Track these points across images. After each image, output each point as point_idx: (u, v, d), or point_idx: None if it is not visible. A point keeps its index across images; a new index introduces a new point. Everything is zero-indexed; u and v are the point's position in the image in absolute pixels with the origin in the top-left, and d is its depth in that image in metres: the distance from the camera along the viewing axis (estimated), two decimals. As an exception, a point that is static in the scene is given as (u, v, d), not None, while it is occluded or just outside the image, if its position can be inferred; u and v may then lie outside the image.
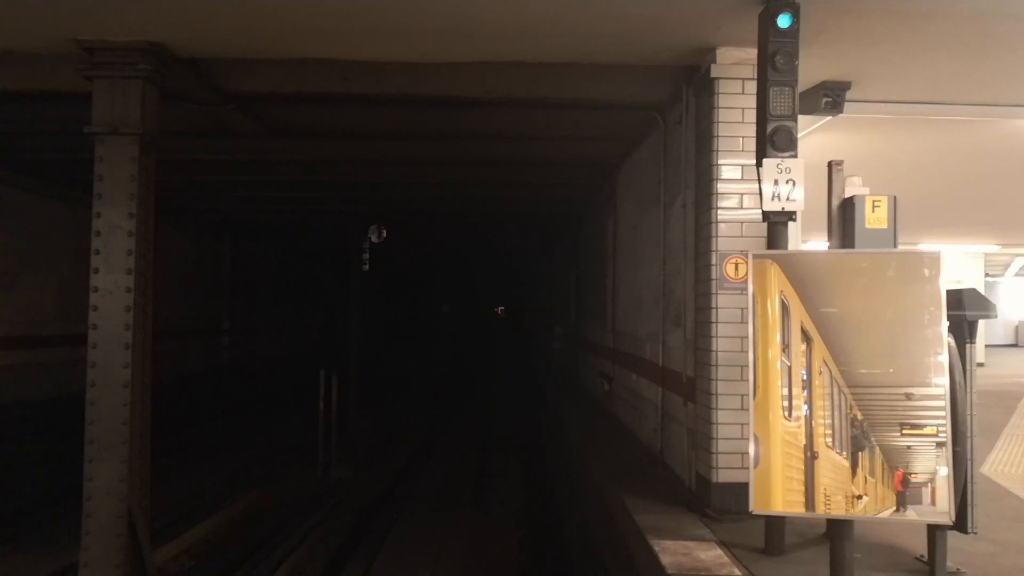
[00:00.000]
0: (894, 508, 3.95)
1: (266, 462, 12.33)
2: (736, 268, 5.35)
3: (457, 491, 10.72)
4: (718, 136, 5.49)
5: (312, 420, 11.47)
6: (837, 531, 4.13)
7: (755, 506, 4.12)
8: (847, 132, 7.12)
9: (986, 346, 20.73)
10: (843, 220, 4.66)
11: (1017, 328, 29.80)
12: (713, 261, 5.46)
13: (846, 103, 5.97)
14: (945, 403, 3.90)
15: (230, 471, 11.64)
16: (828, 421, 4.06)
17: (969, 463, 4.13)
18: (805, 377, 4.10)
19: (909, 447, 3.92)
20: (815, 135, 6.53)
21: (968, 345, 4.21)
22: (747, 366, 4.23)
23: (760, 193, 4.48)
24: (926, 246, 15.60)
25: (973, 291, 4.32)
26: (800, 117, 4.59)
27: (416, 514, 9.54)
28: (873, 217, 4.49)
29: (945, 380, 3.91)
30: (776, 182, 4.45)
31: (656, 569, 4.53)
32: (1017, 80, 5.92)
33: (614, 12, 4.87)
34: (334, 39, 5.48)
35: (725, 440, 5.35)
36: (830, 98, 5.91)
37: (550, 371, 19.84)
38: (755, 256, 4.26)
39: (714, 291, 5.43)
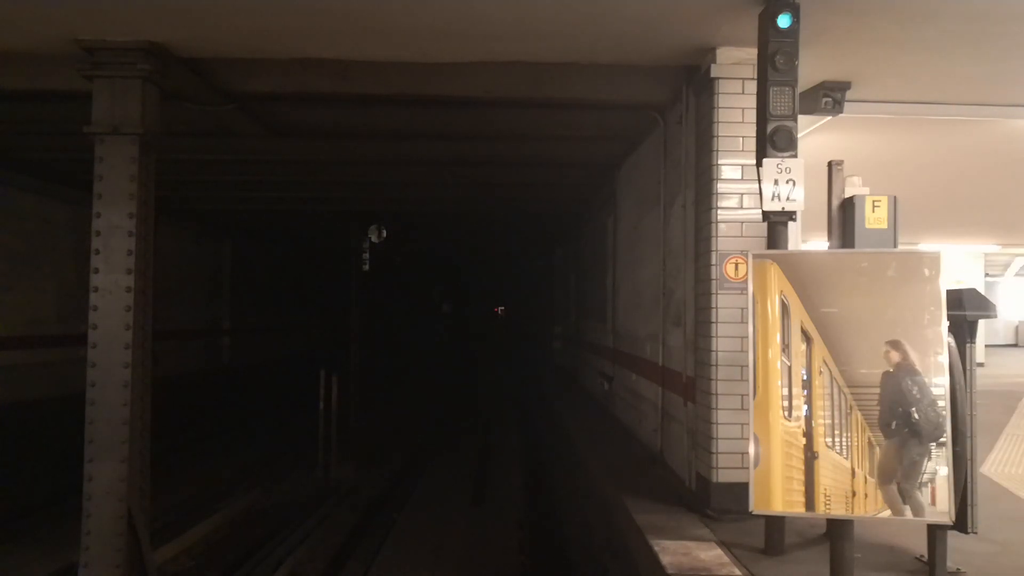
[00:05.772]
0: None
1: (266, 462, 12.32)
2: (736, 268, 5.36)
3: (457, 491, 10.72)
4: (718, 136, 5.50)
5: (312, 420, 11.46)
6: (837, 531, 4.13)
7: (755, 506, 4.12)
8: (847, 132, 7.12)
9: (986, 346, 20.73)
10: (843, 220, 4.67)
11: (1017, 328, 29.81)
12: (713, 261, 5.46)
13: (846, 103, 5.98)
14: (945, 403, 3.90)
15: (230, 471, 11.64)
16: (828, 421, 4.07)
17: (969, 463, 4.12)
18: (805, 377, 4.10)
19: (909, 447, 3.92)
20: (815, 135, 6.53)
21: (968, 345, 4.20)
22: (747, 366, 4.23)
23: (760, 193, 4.49)
24: (926, 246, 15.60)
25: (973, 291, 4.32)
26: (800, 117, 4.59)
27: (416, 514, 9.53)
28: (873, 217, 4.49)
29: (945, 380, 3.91)
30: (776, 182, 4.45)
31: (656, 569, 4.53)
32: (1017, 80, 5.92)
33: (614, 12, 4.87)
34: (334, 39, 5.48)
35: (725, 440, 5.36)
36: (830, 98, 5.91)
37: (550, 371, 19.85)
38: (755, 256, 4.26)
39: (714, 291, 5.44)
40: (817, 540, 4.92)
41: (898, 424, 3.93)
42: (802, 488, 4.06)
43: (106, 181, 5.48)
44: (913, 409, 3.91)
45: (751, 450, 4.13)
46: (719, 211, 5.50)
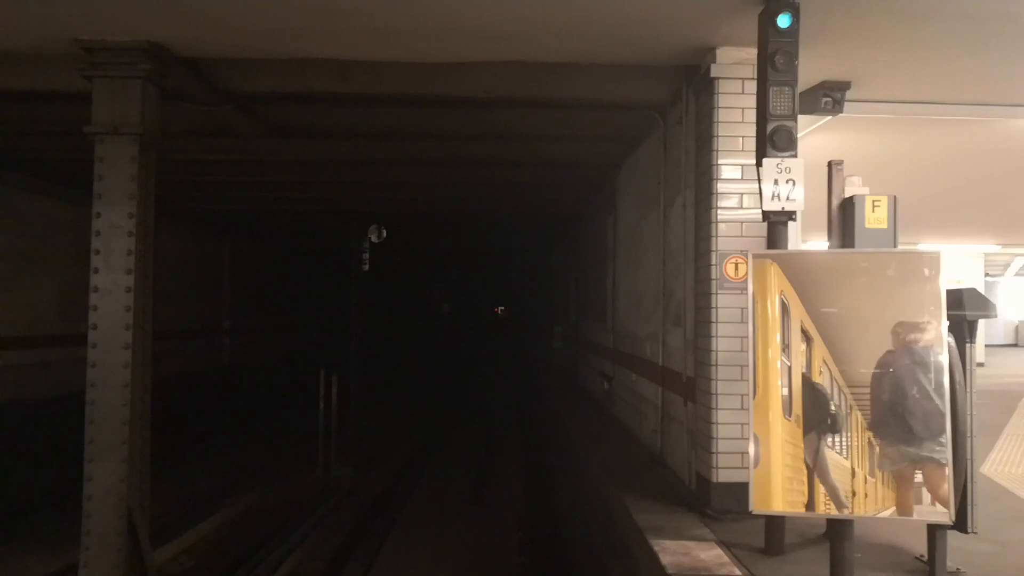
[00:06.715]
0: (894, 508, 3.95)
1: (266, 462, 12.32)
2: (736, 268, 5.36)
3: (457, 491, 10.72)
4: (718, 136, 5.50)
5: (312, 420, 11.47)
6: (837, 531, 4.13)
7: (755, 506, 4.12)
8: (847, 132, 7.12)
9: (986, 346, 20.73)
10: (843, 220, 4.66)
11: (1017, 328, 29.79)
12: (713, 261, 5.46)
13: (846, 103, 5.98)
14: (944, 401, 3.90)
15: (230, 471, 11.64)
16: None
17: (969, 463, 4.13)
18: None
19: (909, 447, 3.92)
20: (815, 135, 6.53)
21: (968, 345, 4.21)
22: (747, 366, 4.23)
23: (760, 193, 4.49)
24: (926, 246, 15.60)
25: (973, 291, 4.32)
26: (800, 117, 4.60)
27: (416, 514, 9.54)
28: (873, 217, 4.49)
29: (945, 380, 3.91)
30: (776, 182, 4.46)
31: (656, 569, 4.53)
32: (1017, 80, 5.92)
33: (614, 12, 4.87)
34: (334, 39, 5.49)
35: (725, 440, 5.36)
36: (830, 98, 5.91)
37: (550, 371, 19.84)
38: (755, 256, 4.26)
39: (714, 291, 5.44)
40: (817, 540, 4.92)
41: (826, 418, 4.04)
42: (802, 488, 4.06)
43: (106, 181, 5.48)
44: (832, 402, 4.01)
45: (751, 450, 4.13)
46: (719, 211, 5.50)
